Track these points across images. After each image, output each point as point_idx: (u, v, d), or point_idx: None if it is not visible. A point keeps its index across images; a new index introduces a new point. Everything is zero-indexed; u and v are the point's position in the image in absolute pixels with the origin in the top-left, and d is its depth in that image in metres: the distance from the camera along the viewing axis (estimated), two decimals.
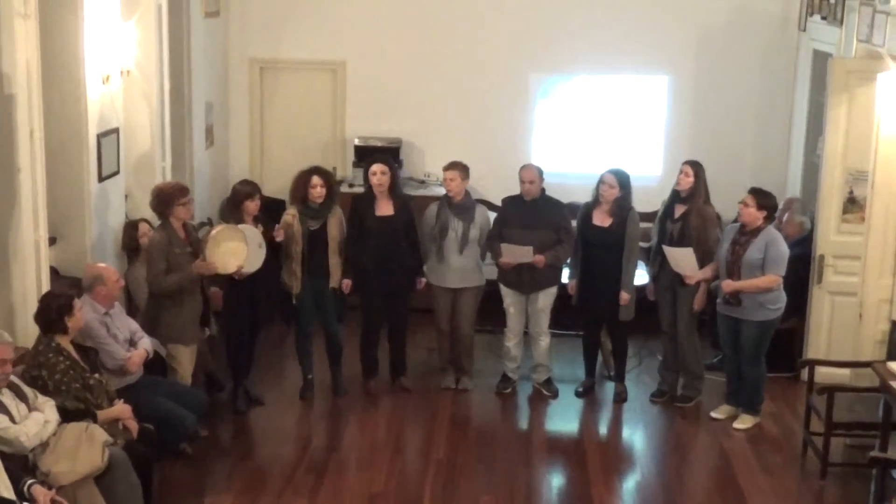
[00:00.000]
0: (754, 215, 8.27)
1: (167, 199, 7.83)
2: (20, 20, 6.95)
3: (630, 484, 7.90)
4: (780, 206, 9.72)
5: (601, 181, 8.78)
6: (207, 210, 10.52)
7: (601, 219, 8.80)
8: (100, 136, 8.18)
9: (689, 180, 8.62)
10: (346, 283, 8.76)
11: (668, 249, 8.64)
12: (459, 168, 8.90)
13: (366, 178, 8.91)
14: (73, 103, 7.91)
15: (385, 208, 8.81)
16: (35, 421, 6.16)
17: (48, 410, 6.31)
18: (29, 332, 6.97)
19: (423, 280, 9.00)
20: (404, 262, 8.87)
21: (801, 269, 9.09)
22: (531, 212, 8.86)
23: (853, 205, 8.90)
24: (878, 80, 8.06)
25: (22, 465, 6.00)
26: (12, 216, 7.14)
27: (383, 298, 8.91)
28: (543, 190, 8.94)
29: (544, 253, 8.74)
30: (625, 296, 8.78)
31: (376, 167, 8.80)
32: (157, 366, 7.86)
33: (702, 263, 8.54)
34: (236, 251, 7.99)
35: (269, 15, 11.41)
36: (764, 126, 11.25)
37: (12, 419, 6.05)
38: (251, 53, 11.53)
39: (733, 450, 8.25)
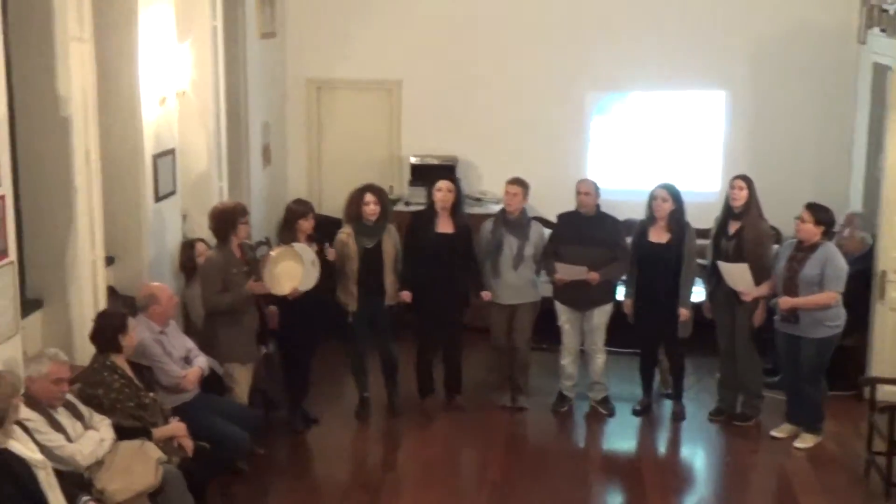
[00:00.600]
0: (812, 231, 8.15)
1: (229, 218, 7.88)
2: (76, 44, 7.05)
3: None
4: (841, 221, 9.61)
5: (653, 196, 8.72)
6: (264, 229, 10.58)
7: (658, 235, 8.73)
8: (156, 157, 8.26)
9: (744, 194, 8.53)
10: (406, 295, 8.73)
11: (722, 266, 8.54)
12: (522, 184, 8.89)
13: (428, 195, 8.90)
14: (130, 125, 8.01)
15: (445, 226, 8.80)
16: (90, 439, 6.20)
17: (104, 429, 6.35)
18: (86, 351, 7.02)
19: (488, 293, 8.92)
20: (460, 281, 8.86)
21: (863, 285, 8.94)
22: (587, 228, 8.82)
23: None
24: None
25: (77, 483, 6.03)
26: (69, 236, 7.21)
27: (438, 317, 8.90)
28: (599, 206, 8.90)
29: (599, 270, 8.68)
30: (684, 312, 8.70)
31: (442, 184, 8.81)
32: (214, 384, 7.88)
33: (758, 279, 8.42)
34: (292, 272, 8.01)
35: (325, 35, 11.50)
36: (824, 140, 11.11)
37: (68, 438, 6.10)
38: (308, 73, 11.62)
39: (794, 470, 8.11)
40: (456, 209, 8.85)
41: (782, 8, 10.97)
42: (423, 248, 8.73)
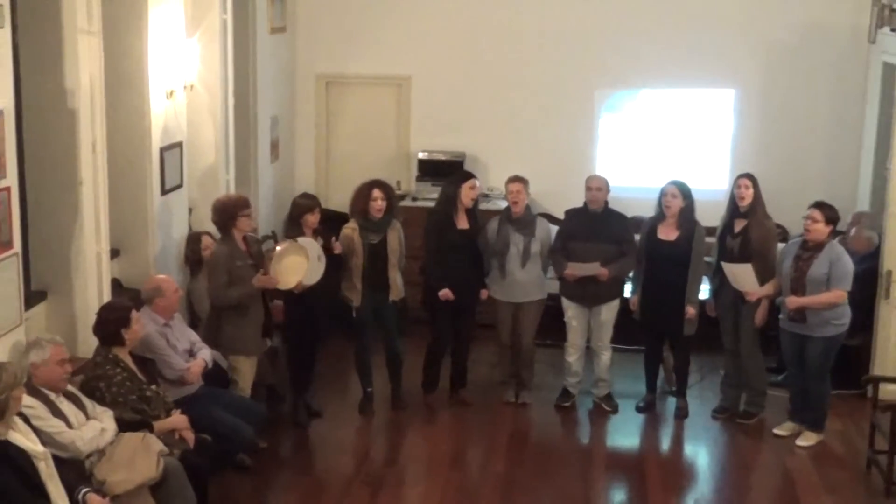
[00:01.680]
0: (823, 230, 8.14)
1: (230, 211, 7.89)
2: (84, 36, 7.08)
3: (690, 501, 7.78)
4: (849, 220, 9.61)
5: (663, 193, 8.73)
6: (272, 223, 10.62)
7: (667, 232, 8.74)
8: (163, 150, 8.29)
9: (750, 192, 8.54)
10: (446, 293, 8.75)
11: (727, 266, 8.54)
12: (523, 181, 8.91)
13: (448, 192, 8.86)
14: (137, 118, 8.05)
15: (463, 222, 8.85)
16: (92, 427, 6.24)
17: (106, 420, 6.38)
18: (90, 344, 7.05)
19: (486, 291, 8.98)
20: (474, 276, 8.90)
21: (870, 284, 8.93)
22: (595, 224, 8.83)
23: None
24: None
25: (78, 474, 6.06)
26: (74, 229, 7.25)
27: (455, 313, 8.93)
28: (607, 203, 8.90)
29: (608, 266, 8.69)
30: (690, 310, 8.70)
31: (475, 182, 8.88)
32: (218, 378, 7.92)
33: (764, 278, 8.42)
34: (297, 267, 8.04)
35: (335, 31, 11.52)
36: (833, 139, 11.09)
37: (69, 425, 6.14)
38: (317, 69, 11.65)
39: (796, 468, 8.12)
40: (474, 205, 8.91)
41: (792, 7, 10.94)
42: (451, 247, 8.77)
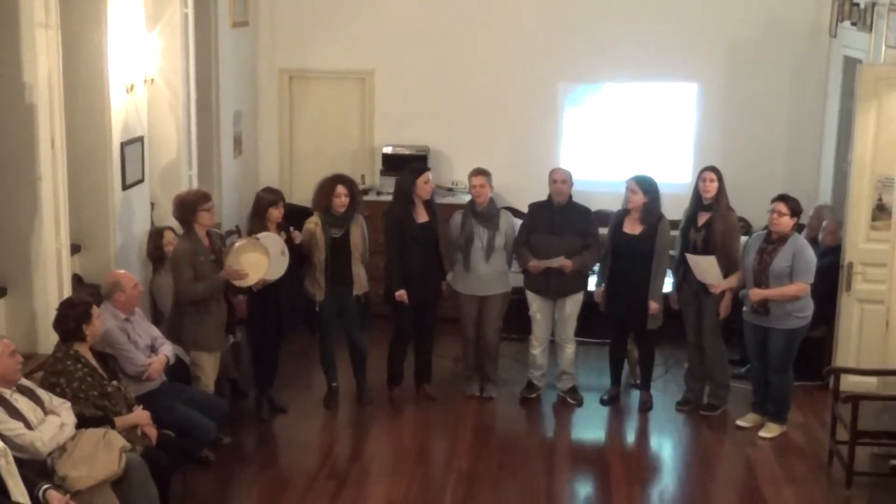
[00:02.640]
0: (788, 223, 8.19)
1: (190, 206, 7.86)
2: (41, 30, 7.00)
3: (654, 493, 7.82)
4: (811, 213, 9.67)
5: (626, 188, 8.74)
6: (235, 218, 10.56)
7: (631, 227, 8.77)
8: (124, 145, 8.23)
9: (715, 185, 8.57)
10: (401, 295, 8.76)
11: (691, 258, 8.57)
12: (486, 174, 8.92)
13: (402, 186, 8.85)
14: (97, 112, 7.97)
15: (422, 215, 8.84)
16: (51, 424, 6.18)
17: (64, 413, 6.32)
18: (51, 341, 6.99)
19: (445, 284, 9.00)
20: (434, 270, 8.89)
21: (833, 277, 8.98)
22: (558, 218, 8.84)
23: (882, 212, 8.76)
24: None
25: (39, 470, 6.01)
26: (34, 224, 7.18)
27: (417, 306, 8.92)
28: (570, 196, 8.91)
29: (571, 258, 8.70)
30: (653, 305, 8.73)
31: (429, 175, 8.86)
32: (181, 373, 7.87)
33: (726, 271, 8.46)
34: (257, 264, 8.00)
35: (297, 25, 11.47)
36: (795, 133, 11.15)
37: (28, 425, 6.07)
38: (280, 63, 11.59)
39: (758, 459, 8.16)
40: (431, 198, 8.90)
41: (754, 1, 10.98)
42: (411, 240, 8.76)
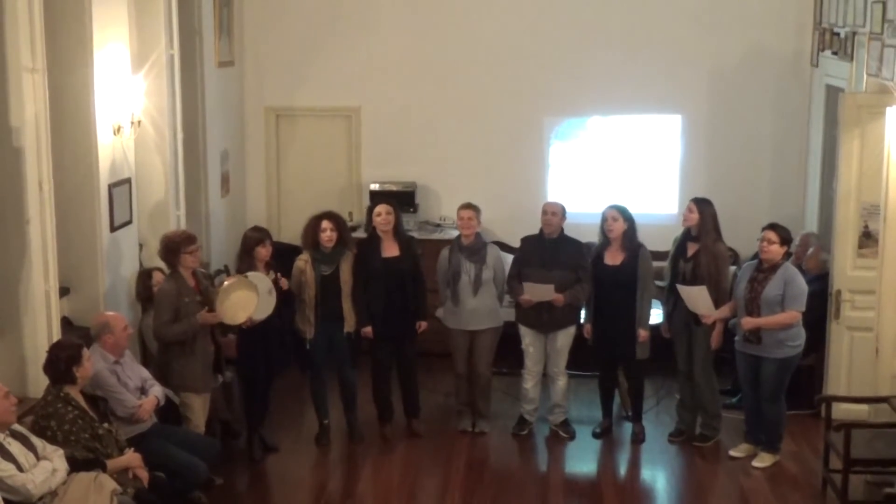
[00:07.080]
0: (778, 251, 8.23)
1: (174, 247, 7.86)
2: (28, 74, 7.02)
3: None
4: (797, 241, 9.69)
5: (604, 218, 8.81)
6: (224, 258, 10.54)
7: (612, 257, 8.80)
8: (111, 186, 8.23)
9: (694, 216, 8.60)
10: (367, 331, 8.76)
11: (682, 288, 8.59)
12: (475, 209, 8.95)
13: (369, 222, 8.91)
14: (84, 154, 7.97)
15: (391, 250, 8.85)
16: (43, 469, 6.15)
17: (57, 460, 6.29)
18: (40, 384, 6.96)
19: (423, 324, 8.97)
20: (410, 304, 8.88)
21: (821, 305, 9.00)
22: (550, 251, 8.86)
23: (868, 239, 8.80)
24: (887, 113, 8.00)
25: None
26: (23, 267, 7.17)
27: (391, 341, 8.90)
28: (562, 230, 8.93)
29: (563, 292, 8.71)
30: (642, 332, 8.75)
31: (381, 208, 8.87)
32: (171, 414, 7.84)
33: (716, 301, 8.47)
34: (246, 302, 7.98)
35: (283, 63, 11.51)
36: (779, 162, 11.20)
37: (20, 468, 6.05)
38: (266, 102, 11.62)
39: (752, 489, 8.15)
40: (397, 231, 8.90)
41: (736, 32, 11.06)
42: (373, 275, 8.75)
